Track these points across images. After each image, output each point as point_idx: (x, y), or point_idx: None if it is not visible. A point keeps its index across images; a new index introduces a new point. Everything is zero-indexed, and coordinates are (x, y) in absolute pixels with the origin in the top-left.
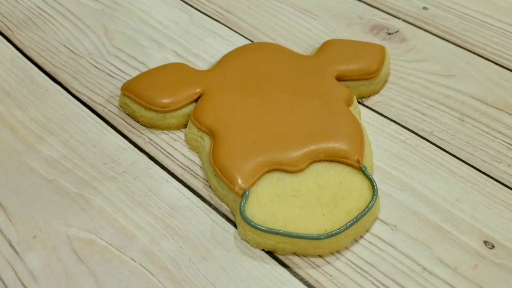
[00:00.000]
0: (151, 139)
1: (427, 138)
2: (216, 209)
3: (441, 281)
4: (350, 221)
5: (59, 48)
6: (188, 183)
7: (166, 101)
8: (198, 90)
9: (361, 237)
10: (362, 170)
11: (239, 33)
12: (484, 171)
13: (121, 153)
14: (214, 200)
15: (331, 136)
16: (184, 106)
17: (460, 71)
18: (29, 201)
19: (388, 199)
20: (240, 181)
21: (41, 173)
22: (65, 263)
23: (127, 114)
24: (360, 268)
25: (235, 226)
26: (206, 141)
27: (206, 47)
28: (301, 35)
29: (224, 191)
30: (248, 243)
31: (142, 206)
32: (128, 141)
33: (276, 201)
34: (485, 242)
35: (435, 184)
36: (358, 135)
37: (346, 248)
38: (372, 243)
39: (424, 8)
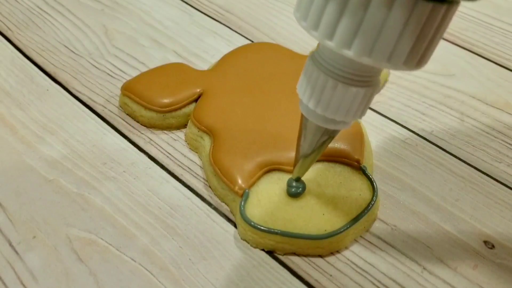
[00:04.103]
0: (151, 139)
1: (427, 138)
2: (216, 209)
3: (441, 281)
4: (350, 221)
5: (59, 48)
6: (188, 183)
7: (166, 101)
8: (198, 90)
9: (361, 237)
10: (362, 170)
11: (239, 33)
12: (484, 171)
13: (121, 153)
14: (214, 200)
15: None
16: (184, 106)
17: (460, 71)
18: (29, 201)
19: (388, 199)
20: (240, 181)
21: (41, 173)
22: (65, 263)
23: (127, 114)
24: (360, 268)
25: (235, 226)
26: (206, 141)
27: (206, 47)
28: (301, 35)
29: (224, 191)
30: (248, 243)
31: (142, 206)
32: (128, 141)
33: (276, 201)
34: (485, 242)
35: (435, 184)
36: (358, 135)
37: (346, 248)
38: (372, 243)
39: None
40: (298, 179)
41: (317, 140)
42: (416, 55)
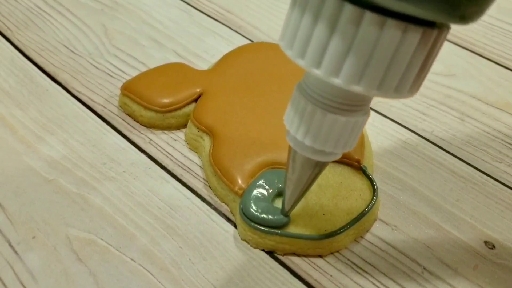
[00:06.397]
0: (151, 139)
1: (428, 138)
2: (216, 209)
3: (442, 281)
4: (350, 221)
5: (59, 48)
6: (188, 183)
7: (166, 101)
8: (198, 90)
9: (362, 237)
10: (362, 170)
11: (239, 33)
12: (484, 171)
13: (121, 153)
14: (214, 200)
15: None
16: (184, 106)
17: (461, 71)
18: (29, 201)
19: (388, 199)
20: (240, 181)
21: (40, 173)
22: (64, 263)
23: (127, 114)
24: (361, 268)
25: (235, 226)
26: (206, 141)
27: (206, 47)
28: None
29: (224, 191)
30: (248, 243)
31: (142, 206)
32: (128, 141)
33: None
34: (485, 242)
35: (436, 184)
36: None
37: (346, 248)
38: (372, 243)
39: None
40: (287, 214)
41: (306, 173)
42: (408, 82)
